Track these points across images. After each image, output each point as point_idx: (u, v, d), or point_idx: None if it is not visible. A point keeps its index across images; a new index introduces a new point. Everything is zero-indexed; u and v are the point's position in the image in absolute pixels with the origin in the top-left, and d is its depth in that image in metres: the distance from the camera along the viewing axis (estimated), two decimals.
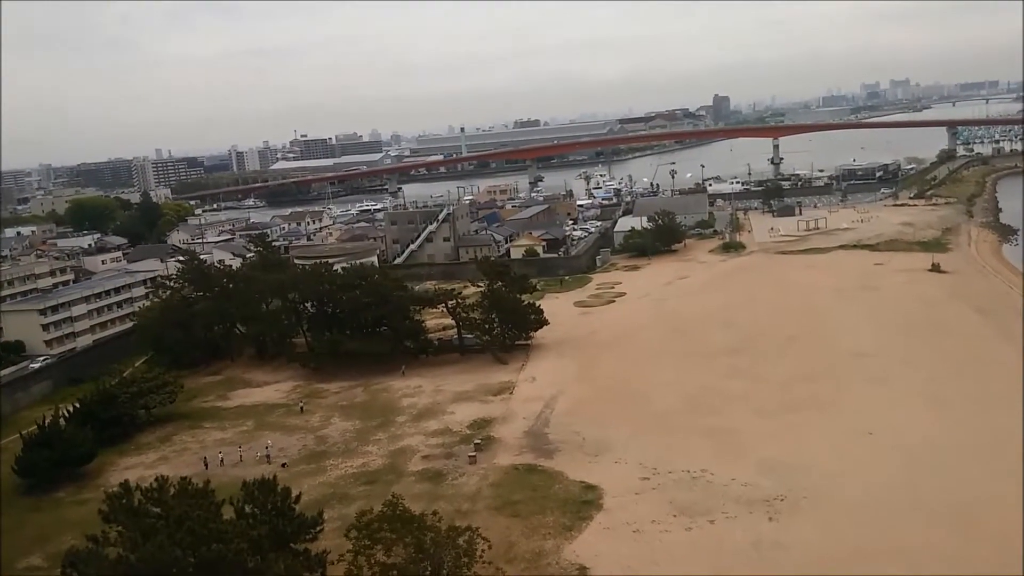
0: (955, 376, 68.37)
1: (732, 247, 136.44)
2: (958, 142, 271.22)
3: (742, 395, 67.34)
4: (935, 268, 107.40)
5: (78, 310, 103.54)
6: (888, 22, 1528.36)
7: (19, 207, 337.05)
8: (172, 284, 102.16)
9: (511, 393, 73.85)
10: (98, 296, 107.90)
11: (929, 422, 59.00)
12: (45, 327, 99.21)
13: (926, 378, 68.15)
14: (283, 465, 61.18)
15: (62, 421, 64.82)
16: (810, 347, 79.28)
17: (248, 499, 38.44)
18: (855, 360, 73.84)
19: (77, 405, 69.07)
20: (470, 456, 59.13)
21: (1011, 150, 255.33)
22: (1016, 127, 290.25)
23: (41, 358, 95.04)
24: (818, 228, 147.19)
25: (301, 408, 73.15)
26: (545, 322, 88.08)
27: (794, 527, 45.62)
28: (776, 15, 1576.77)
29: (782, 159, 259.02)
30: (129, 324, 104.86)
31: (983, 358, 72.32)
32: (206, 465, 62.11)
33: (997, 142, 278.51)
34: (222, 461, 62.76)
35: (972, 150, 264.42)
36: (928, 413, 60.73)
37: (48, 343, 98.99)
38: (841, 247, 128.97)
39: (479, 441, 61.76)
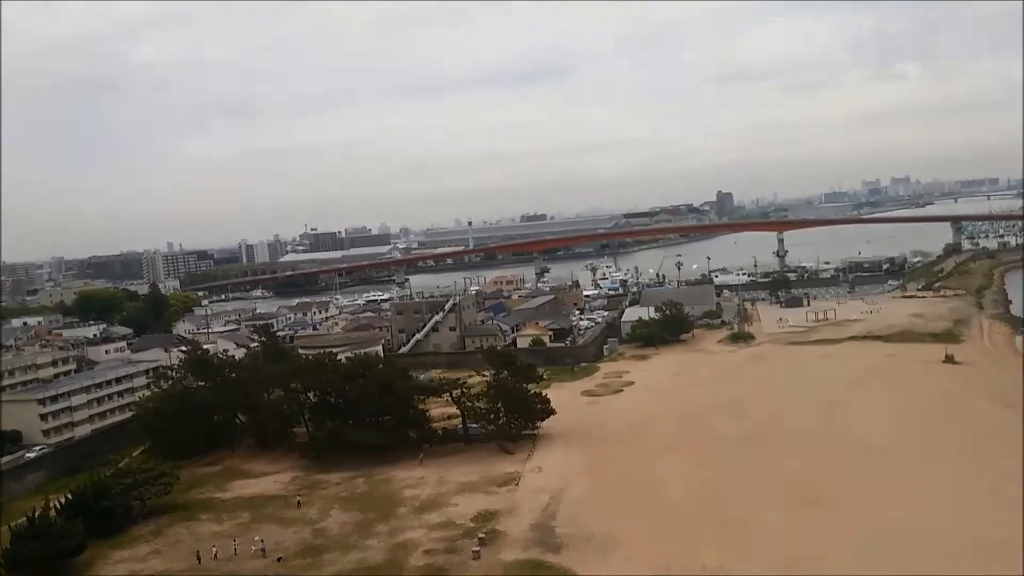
0: (975, 471, 65.88)
1: (741, 337, 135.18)
2: (963, 236, 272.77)
3: (757, 488, 64.91)
4: (949, 359, 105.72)
5: (78, 399, 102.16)
6: (886, 122, 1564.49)
7: (28, 298, 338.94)
8: (173, 374, 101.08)
9: (517, 484, 71.45)
10: (99, 386, 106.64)
11: (950, 518, 56.39)
12: (43, 416, 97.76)
13: (945, 473, 65.68)
14: (279, 559, 58.61)
15: (53, 512, 62.73)
16: (825, 439, 77.06)
17: None
18: (872, 453, 71.52)
19: (69, 496, 66.99)
20: (474, 551, 56.57)
21: (1016, 244, 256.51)
22: (1020, 222, 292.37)
23: (38, 447, 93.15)
24: (827, 319, 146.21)
25: (299, 503, 70.62)
26: (552, 411, 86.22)
27: None
28: (773, 119, 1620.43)
29: (787, 252, 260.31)
30: (129, 414, 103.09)
31: (1003, 452, 69.83)
32: (199, 559, 59.57)
33: (1002, 236, 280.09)
34: (216, 555, 60.14)
35: (977, 244, 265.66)
36: (949, 509, 58.15)
37: (46, 432, 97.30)
38: (852, 338, 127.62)
39: (483, 535, 59.23)
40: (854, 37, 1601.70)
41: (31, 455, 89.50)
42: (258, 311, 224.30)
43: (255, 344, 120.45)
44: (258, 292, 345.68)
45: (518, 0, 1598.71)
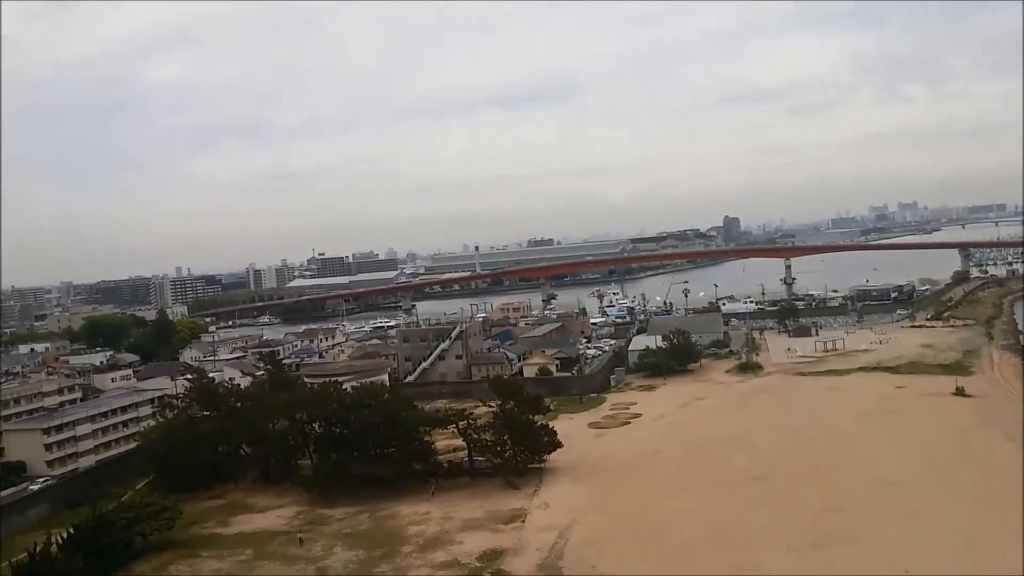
0: (989, 508, 64.70)
1: (749, 367, 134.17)
2: (971, 264, 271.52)
3: (768, 528, 63.84)
4: (959, 392, 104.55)
5: (82, 429, 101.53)
6: (892, 146, 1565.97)
7: (36, 323, 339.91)
8: (179, 403, 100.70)
9: (523, 521, 70.45)
10: (104, 415, 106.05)
11: (966, 558, 55.28)
12: (48, 447, 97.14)
13: (960, 510, 64.53)
14: None
15: (54, 548, 62.14)
16: (836, 475, 75.95)
17: None
18: (884, 490, 70.41)
19: (71, 531, 66.37)
20: None
21: None
22: None
23: (41, 479, 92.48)
24: (836, 349, 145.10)
25: (300, 540, 69.70)
26: (559, 444, 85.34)
27: None
28: (780, 142, 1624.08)
29: (795, 279, 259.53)
30: (134, 444, 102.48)
31: (1015, 490, 68.66)
32: None
33: (1010, 264, 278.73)
34: None
35: (986, 272, 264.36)
36: (965, 548, 57.03)
37: (50, 463, 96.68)
38: (861, 369, 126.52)
39: (489, 575, 58.28)
40: (860, 58, 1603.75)
41: (35, 487, 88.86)
42: (265, 338, 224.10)
43: (261, 372, 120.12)
44: (265, 318, 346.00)
45: (523, 22, 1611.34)
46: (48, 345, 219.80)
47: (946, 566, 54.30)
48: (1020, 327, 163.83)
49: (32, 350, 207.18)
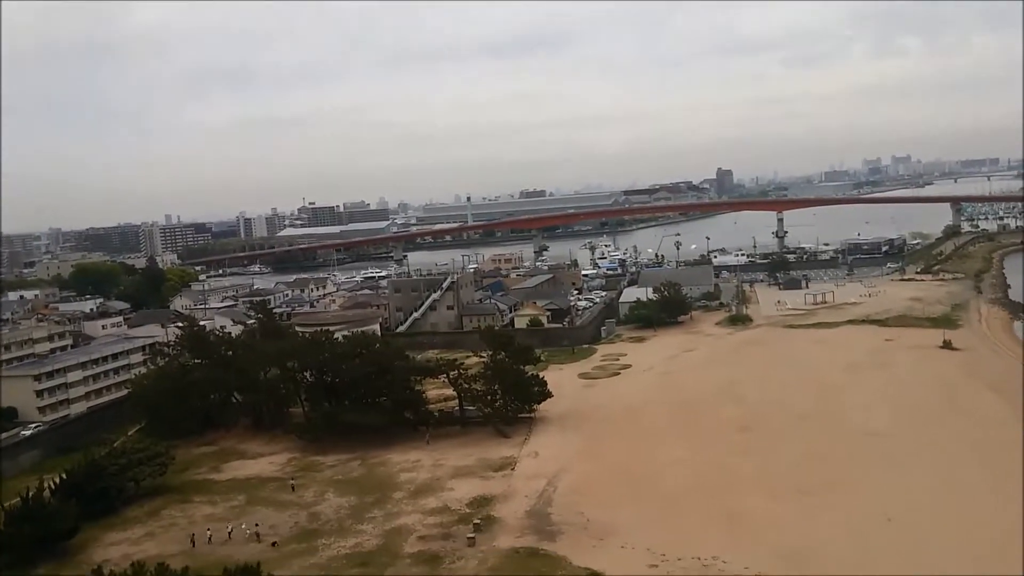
0: (973, 458, 65.90)
1: (739, 320, 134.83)
2: (963, 218, 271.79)
3: (754, 475, 64.83)
4: (946, 345, 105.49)
5: (74, 376, 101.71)
6: (887, 101, 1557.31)
7: (25, 270, 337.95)
8: (170, 351, 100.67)
9: (513, 469, 71.29)
10: (95, 362, 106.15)
11: (948, 508, 56.45)
12: (39, 393, 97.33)
13: (943, 460, 65.68)
14: (273, 544, 58.51)
15: (47, 494, 62.52)
16: (823, 425, 76.95)
17: None
18: (869, 440, 71.45)
19: (63, 477, 66.76)
20: (469, 537, 56.42)
21: (1016, 227, 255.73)
22: (1019, 204, 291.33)
23: (33, 425, 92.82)
24: (825, 302, 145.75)
25: (292, 487, 70.26)
26: (549, 394, 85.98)
27: None
28: (774, 94, 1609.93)
29: (787, 232, 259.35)
30: (125, 391, 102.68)
31: (1000, 439, 69.87)
32: (193, 543, 59.46)
33: (1001, 218, 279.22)
34: (210, 539, 60.03)
35: (977, 226, 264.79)
36: (947, 498, 58.17)
37: (42, 410, 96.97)
38: (850, 322, 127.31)
39: (479, 521, 59.08)
40: (856, 9, 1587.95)
41: (26, 433, 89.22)
42: (256, 287, 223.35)
43: (252, 321, 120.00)
44: (256, 267, 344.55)
45: None
46: (37, 292, 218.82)
47: (926, 513, 55.39)
48: (1009, 281, 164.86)
49: (21, 297, 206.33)
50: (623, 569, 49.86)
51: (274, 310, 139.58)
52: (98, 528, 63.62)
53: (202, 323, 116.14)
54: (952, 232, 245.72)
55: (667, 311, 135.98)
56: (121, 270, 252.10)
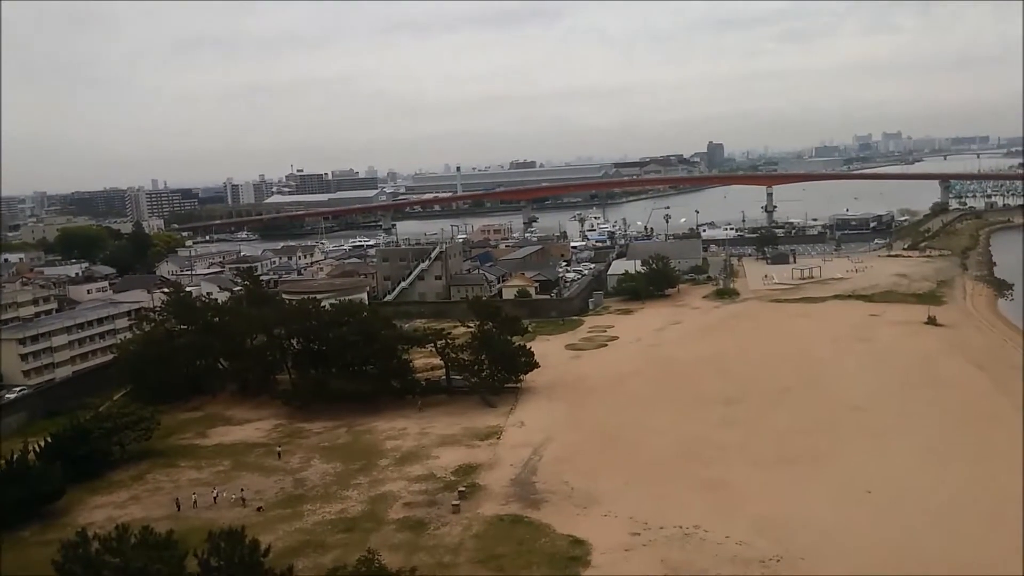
0: (953, 432, 66.76)
1: (726, 293, 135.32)
2: (951, 195, 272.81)
3: (736, 446, 65.42)
4: (931, 321, 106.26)
5: (58, 340, 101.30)
6: (879, 78, 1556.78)
7: (10, 234, 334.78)
8: (156, 316, 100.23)
9: (499, 438, 71.67)
10: (80, 327, 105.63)
11: (928, 479, 57.23)
12: (24, 357, 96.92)
13: (924, 433, 66.43)
14: (258, 509, 58.78)
15: (32, 456, 62.45)
16: (806, 398, 77.63)
17: (214, 551, 36.12)
18: (852, 413, 72.15)
19: (48, 440, 66.69)
20: (454, 504, 56.84)
21: (1004, 204, 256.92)
22: (1007, 182, 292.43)
23: (18, 389, 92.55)
24: (812, 277, 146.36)
25: (279, 454, 70.35)
26: (535, 365, 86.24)
27: None
28: (768, 69, 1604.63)
29: (776, 207, 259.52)
30: (111, 356, 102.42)
31: (981, 413, 70.85)
32: (178, 507, 59.65)
33: (989, 196, 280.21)
34: (195, 503, 60.24)
35: (965, 203, 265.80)
36: (927, 470, 58.96)
37: (26, 373, 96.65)
38: (836, 297, 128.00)
39: (464, 488, 59.47)
40: None
41: (11, 396, 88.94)
42: (243, 253, 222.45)
43: (239, 288, 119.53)
44: (243, 234, 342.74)
45: None
46: (22, 256, 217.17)
47: (906, 485, 56.12)
48: (995, 259, 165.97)
49: (6, 260, 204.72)
50: (606, 537, 50.38)
51: (261, 277, 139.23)
52: (83, 491, 63.69)
53: (188, 289, 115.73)
54: (940, 209, 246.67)
55: (655, 284, 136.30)
56: (107, 234, 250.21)
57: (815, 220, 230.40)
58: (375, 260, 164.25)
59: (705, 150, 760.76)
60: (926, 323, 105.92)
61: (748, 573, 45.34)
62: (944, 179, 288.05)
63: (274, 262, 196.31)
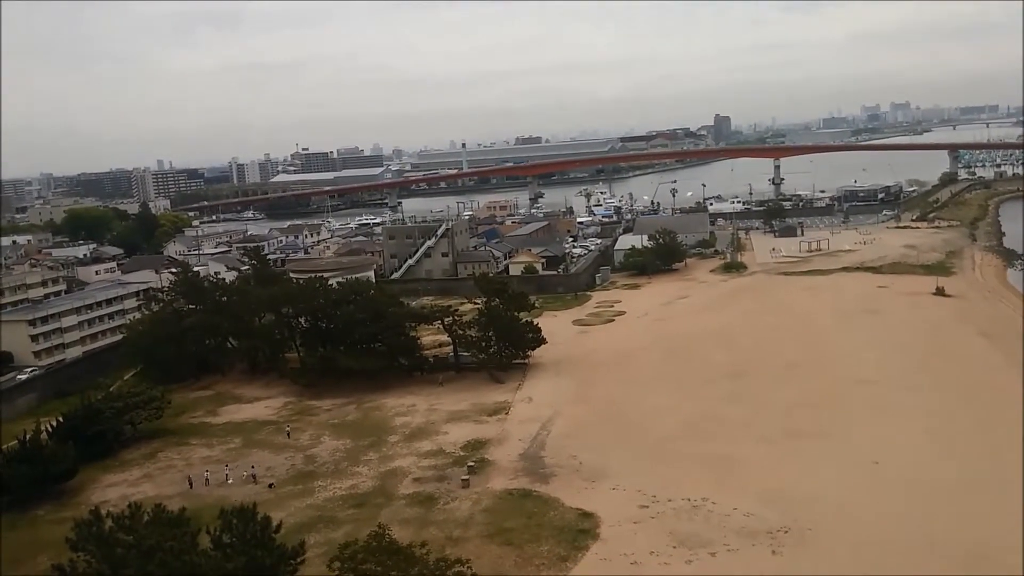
0: (961, 404, 66.67)
1: (733, 267, 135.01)
2: (960, 165, 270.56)
3: (744, 421, 65.56)
4: (939, 292, 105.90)
5: (68, 321, 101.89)
6: (886, 47, 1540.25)
7: (17, 216, 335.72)
8: (164, 296, 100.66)
9: (507, 413, 72.03)
10: (89, 307, 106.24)
11: (935, 452, 57.29)
12: (34, 338, 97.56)
13: (932, 406, 66.41)
14: (270, 486, 59.33)
15: (44, 436, 63.07)
16: (813, 372, 77.59)
17: (226, 528, 36.48)
18: (859, 386, 72.09)
19: (60, 420, 67.33)
20: (463, 479, 57.25)
21: (1013, 174, 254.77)
22: (1017, 151, 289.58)
23: (29, 369, 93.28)
24: (820, 249, 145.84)
25: (288, 433, 70.67)
26: (543, 341, 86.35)
27: (798, 561, 43.71)
28: (773, 39, 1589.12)
29: (783, 179, 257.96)
30: (120, 336, 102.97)
31: (989, 385, 70.70)
32: (190, 484, 60.28)
33: (999, 166, 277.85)
34: (207, 480, 60.83)
35: (974, 173, 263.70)
36: (934, 442, 59.01)
37: (37, 354, 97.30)
38: (844, 269, 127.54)
39: (473, 463, 59.87)
40: None
41: (22, 377, 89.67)
42: (249, 233, 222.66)
43: (246, 267, 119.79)
44: (249, 213, 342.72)
45: None
46: (30, 237, 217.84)
47: (913, 457, 56.22)
48: (1004, 229, 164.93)
49: (14, 242, 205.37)
50: (614, 510, 50.72)
51: (268, 256, 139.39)
52: (96, 470, 64.40)
53: (196, 269, 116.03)
54: (949, 179, 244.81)
55: (662, 258, 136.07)
56: (114, 215, 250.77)
57: (823, 192, 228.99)
58: (381, 238, 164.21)
59: (712, 123, 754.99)
60: (935, 294, 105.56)
61: (755, 544, 45.60)
62: (953, 149, 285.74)
63: (281, 241, 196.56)
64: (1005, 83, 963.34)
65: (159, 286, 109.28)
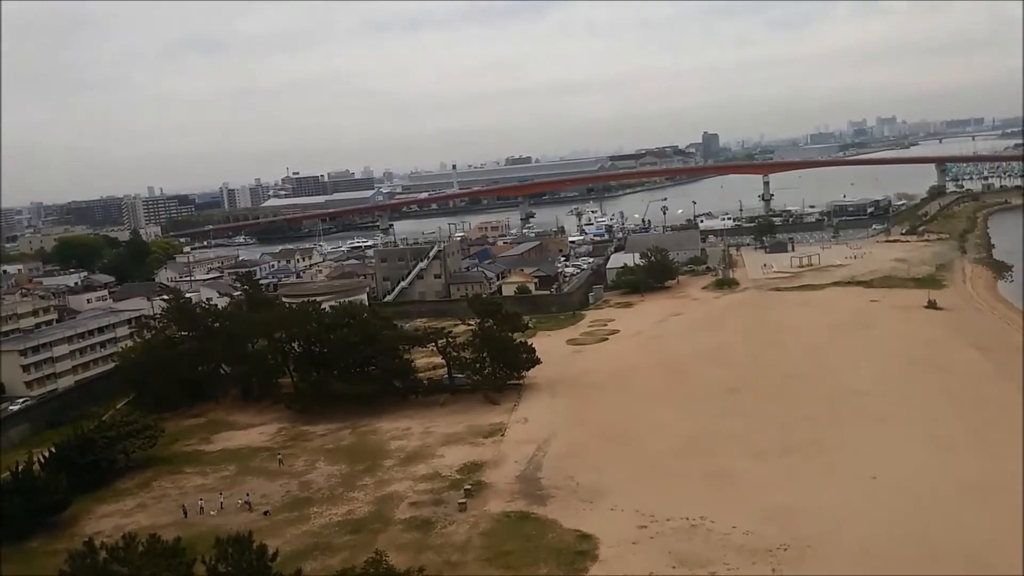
0: (956, 415, 66.81)
1: (725, 283, 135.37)
2: (947, 178, 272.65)
3: (741, 437, 65.47)
4: (931, 305, 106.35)
5: (60, 350, 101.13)
6: (871, 63, 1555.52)
7: (7, 245, 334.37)
8: (156, 323, 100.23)
9: (503, 435, 71.73)
10: (81, 336, 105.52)
11: (932, 464, 57.30)
12: (26, 368, 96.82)
13: (927, 418, 66.53)
14: (265, 513, 58.85)
15: (37, 467, 62.44)
16: (808, 386, 77.66)
17: (222, 557, 36.17)
18: (855, 400, 72.19)
19: (53, 450, 66.69)
20: (460, 503, 56.91)
21: (1001, 186, 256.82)
22: (1004, 163, 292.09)
23: (21, 400, 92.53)
24: (811, 264, 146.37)
25: (280, 461, 69.99)
26: (537, 361, 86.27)
27: None
28: (758, 57, 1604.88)
29: (773, 195, 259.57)
30: (112, 364, 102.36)
31: (983, 397, 70.89)
32: (185, 513, 59.74)
33: (986, 178, 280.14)
34: (202, 509, 60.29)
35: (961, 186, 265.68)
36: (931, 455, 59.04)
37: (29, 384, 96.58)
38: (835, 284, 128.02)
39: (469, 486, 59.55)
40: None
41: (14, 408, 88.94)
42: (241, 258, 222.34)
43: (238, 292, 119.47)
44: (240, 238, 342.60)
45: None
46: (20, 267, 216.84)
47: (910, 470, 56.17)
48: (993, 241, 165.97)
49: (5, 272, 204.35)
50: (613, 531, 50.46)
51: (260, 281, 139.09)
52: (89, 500, 63.77)
53: (188, 295, 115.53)
54: (937, 192, 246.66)
55: (654, 276, 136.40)
56: (104, 243, 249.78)
57: (812, 207, 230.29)
58: (374, 261, 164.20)
59: (700, 140, 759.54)
60: (926, 307, 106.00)
61: (755, 562, 45.38)
62: (940, 162, 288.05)
63: (272, 265, 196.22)
64: (990, 96, 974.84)
65: (151, 313, 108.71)
